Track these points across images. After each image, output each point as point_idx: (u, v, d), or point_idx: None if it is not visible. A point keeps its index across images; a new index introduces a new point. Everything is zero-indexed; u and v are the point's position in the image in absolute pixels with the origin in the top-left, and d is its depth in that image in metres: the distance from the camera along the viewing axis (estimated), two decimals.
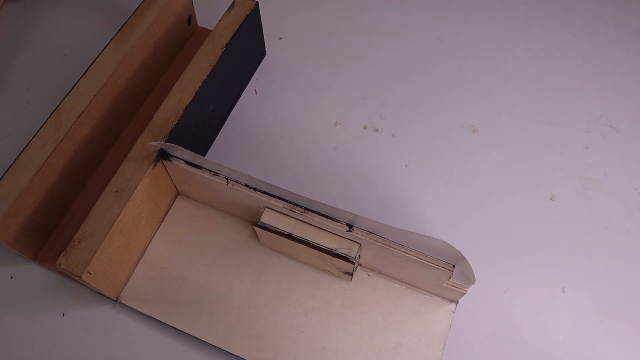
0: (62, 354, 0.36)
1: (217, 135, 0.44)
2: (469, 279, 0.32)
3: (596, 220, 0.41)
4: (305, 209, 0.33)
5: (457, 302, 0.36)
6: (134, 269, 0.38)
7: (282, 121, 0.45)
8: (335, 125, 0.45)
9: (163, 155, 0.35)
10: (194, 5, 0.46)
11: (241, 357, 0.35)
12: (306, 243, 0.33)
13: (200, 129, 0.41)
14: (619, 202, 0.42)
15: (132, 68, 0.41)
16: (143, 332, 0.36)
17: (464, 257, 0.30)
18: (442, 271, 0.32)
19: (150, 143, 0.34)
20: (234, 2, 0.41)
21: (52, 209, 0.38)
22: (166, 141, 0.36)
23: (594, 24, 0.51)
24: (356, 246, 0.33)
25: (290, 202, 0.34)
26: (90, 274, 0.32)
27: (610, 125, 0.45)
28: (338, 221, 0.33)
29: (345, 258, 0.33)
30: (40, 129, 0.36)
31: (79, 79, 0.38)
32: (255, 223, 0.35)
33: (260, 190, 0.34)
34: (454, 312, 0.36)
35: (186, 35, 0.46)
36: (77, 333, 0.36)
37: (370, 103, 0.46)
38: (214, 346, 0.35)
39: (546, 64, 0.49)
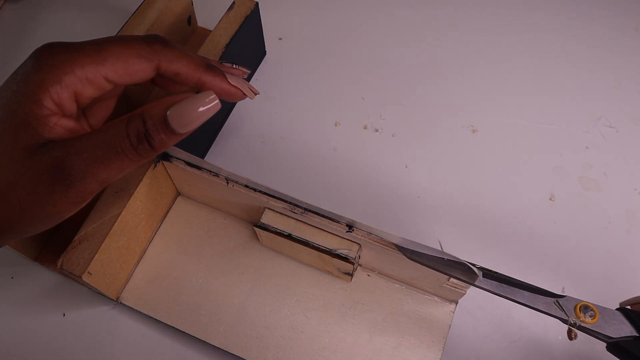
0: (63, 354, 0.36)
1: (217, 136, 0.44)
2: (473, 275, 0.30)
3: (596, 220, 0.41)
4: (305, 209, 0.33)
5: (457, 302, 0.36)
6: (134, 270, 0.38)
7: (282, 121, 0.45)
8: (335, 125, 0.45)
9: (163, 155, 0.36)
10: (193, 5, 0.46)
11: (241, 357, 0.35)
12: (306, 244, 0.34)
13: (200, 129, 0.41)
14: (619, 202, 0.42)
15: None
16: (143, 332, 0.36)
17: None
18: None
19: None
20: (233, 3, 0.41)
21: None
22: None
23: (594, 24, 0.51)
24: (356, 247, 0.33)
25: (290, 203, 0.34)
26: (91, 274, 0.32)
27: (610, 125, 0.45)
28: (338, 222, 0.33)
29: (345, 258, 0.33)
30: None
31: None
32: (255, 223, 0.35)
33: (260, 191, 0.34)
34: (453, 312, 0.36)
35: (186, 35, 0.46)
36: (77, 333, 0.37)
37: (370, 103, 0.46)
38: (214, 346, 0.35)
39: (546, 63, 0.49)
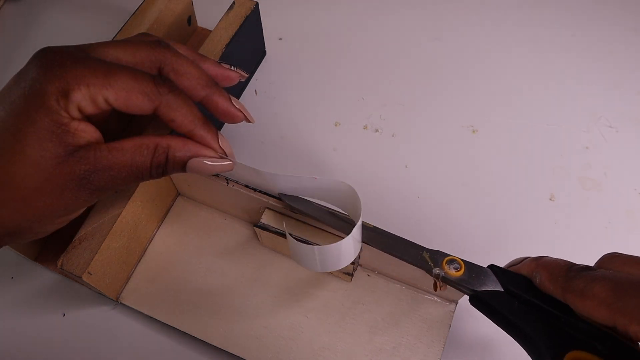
0: (63, 354, 0.36)
1: None
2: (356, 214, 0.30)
3: (596, 220, 0.41)
4: None
5: (457, 302, 0.36)
6: (134, 269, 0.38)
7: (282, 121, 0.45)
8: (335, 125, 0.45)
9: None
10: (193, 5, 0.46)
11: (241, 357, 0.35)
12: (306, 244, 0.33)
13: None
14: (619, 202, 0.42)
15: None
16: (143, 332, 0.36)
17: (358, 198, 0.29)
18: None
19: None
20: (233, 3, 0.41)
21: None
22: None
23: (594, 24, 0.51)
24: None
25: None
26: (91, 274, 0.32)
27: (610, 125, 0.45)
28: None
29: None
30: None
31: None
32: (255, 223, 0.35)
33: (260, 191, 0.34)
34: (453, 312, 0.36)
35: (186, 35, 0.46)
36: (77, 333, 0.37)
37: (370, 103, 0.46)
38: (214, 346, 0.35)
39: (546, 63, 0.49)
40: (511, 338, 0.36)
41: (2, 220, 0.25)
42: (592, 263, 0.39)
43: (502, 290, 0.28)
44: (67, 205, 0.26)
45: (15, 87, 0.25)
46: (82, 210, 0.28)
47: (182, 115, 0.27)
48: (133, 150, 0.26)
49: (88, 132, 0.25)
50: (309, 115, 0.45)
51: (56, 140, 0.24)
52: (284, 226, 0.33)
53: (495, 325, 0.29)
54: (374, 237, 0.32)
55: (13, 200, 0.25)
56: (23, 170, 0.24)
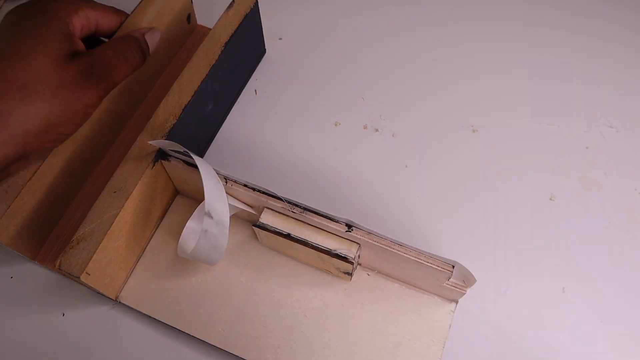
0: (62, 354, 0.36)
1: (216, 135, 0.44)
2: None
3: (596, 220, 0.41)
4: (304, 209, 0.33)
5: (457, 302, 0.36)
6: (133, 269, 0.38)
7: (282, 121, 0.45)
8: (335, 125, 0.45)
9: (162, 155, 0.35)
10: (193, 3, 0.45)
11: (241, 357, 0.35)
12: (305, 243, 0.33)
13: (199, 128, 0.41)
14: (619, 202, 0.42)
15: None
16: (143, 332, 0.36)
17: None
18: (441, 272, 0.32)
19: (149, 142, 0.34)
20: (233, 1, 0.41)
21: (51, 209, 0.38)
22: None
23: (594, 24, 0.51)
24: (355, 246, 0.33)
25: (289, 202, 0.33)
26: (89, 274, 0.32)
27: (610, 125, 0.45)
28: (337, 221, 0.33)
29: (344, 258, 0.33)
30: None
31: None
32: (254, 223, 0.35)
33: (259, 190, 0.34)
34: (453, 312, 0.36)
35: (185, 33, 0.46)
36: (77, 333, 0.37)
37: (370, 103, 0.46)
38: (214, 346, 0.35)
39: (546, 63, 0.49)
40: (510, 338, 0.36)
41: (34, 116, 0.28)
42: (592, 262, 0.39)
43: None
44: (82, 99, 0.30)
45: (32, 8, 0.30)
46: (91, 114, 0.31)
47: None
48: (114, 45, 0.32)
49: (81, 45, 0.32)
50: (309, 115, 0.45)
51: (66, 41, 0.30)
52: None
53: None
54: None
55: (44, 93, 0.28)
56: (47, 66, 0.28)
